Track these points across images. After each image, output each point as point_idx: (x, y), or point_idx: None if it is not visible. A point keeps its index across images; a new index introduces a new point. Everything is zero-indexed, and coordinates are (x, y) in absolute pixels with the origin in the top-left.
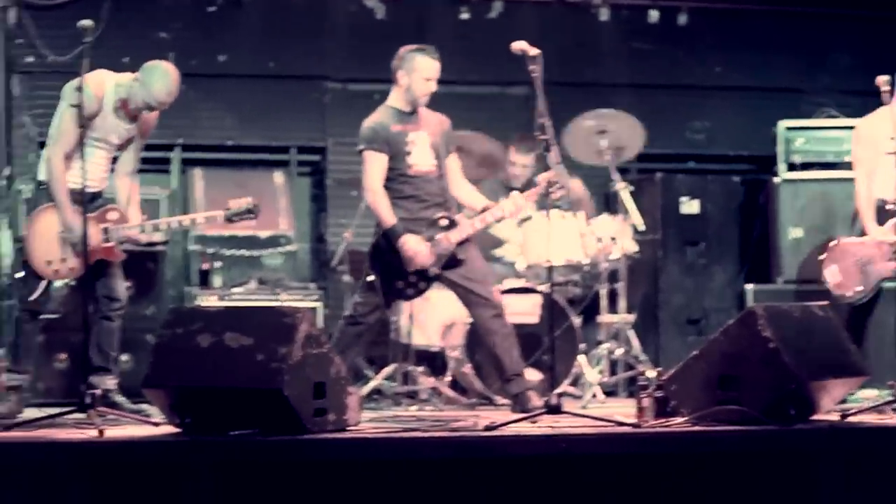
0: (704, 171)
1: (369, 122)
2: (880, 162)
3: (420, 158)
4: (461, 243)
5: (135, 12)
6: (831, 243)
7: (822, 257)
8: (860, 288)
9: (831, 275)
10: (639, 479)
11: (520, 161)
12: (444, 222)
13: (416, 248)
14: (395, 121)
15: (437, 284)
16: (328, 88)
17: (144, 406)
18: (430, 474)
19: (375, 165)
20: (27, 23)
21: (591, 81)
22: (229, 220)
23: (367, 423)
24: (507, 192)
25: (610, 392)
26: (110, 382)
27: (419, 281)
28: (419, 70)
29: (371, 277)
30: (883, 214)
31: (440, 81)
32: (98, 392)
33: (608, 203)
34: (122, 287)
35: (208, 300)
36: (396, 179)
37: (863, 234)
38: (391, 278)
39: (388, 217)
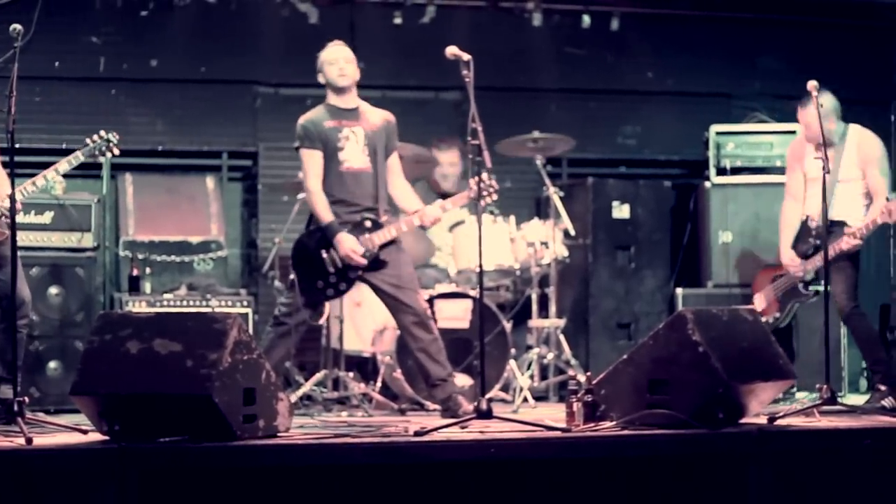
0: (635, 176)
1: (303, 119)
2: (809, 181)
3: (352, 155)
4: (385, 245)
5: (66, 16)
6: (761, 273)
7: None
8: (777, 314)
9: (758, 303)
10: (569, 483)
11: (445, 160)
12: (368, 224)
13: (352, 247)
14: (329, 116)
15: (369, 290)
16: (260, 93)
17: (41, 414)
18: (360, 480)
19: (312, 163)
20: None
21: (524, 86)
22: (91, 155)
23: (297, 429)
24: (437, 197)
25: (540, 397)
26: (10, 392)
27: (339, 282)
28: (324, 60)
29: (293, 276)
30: (808, 232)
31: (373, 86)
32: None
33: (539, 208)
34: (24, 290)
35: (138, 306)
36: (326, 179)
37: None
38: (312, 277)
39: (326, 215)
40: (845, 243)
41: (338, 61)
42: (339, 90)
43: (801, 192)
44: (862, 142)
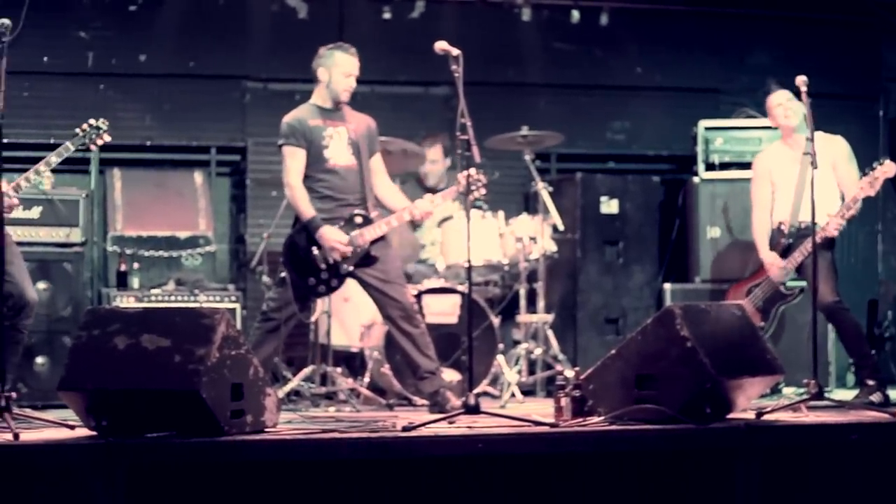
0: (624, 171)
1: (288, 117)
2: (778, 190)
3: (337, 153)
4: (375, 241)
5: (54, 11)
6: (730, 290)
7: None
8: (762, 324)
9: None
10: (557, 478)
11: (429, 156)
12: (359, 220)
13: (336, 239)
14: (314, 116)
15: (357, 286)
16: (248, 88)
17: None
18: (347, 475)
19: (294, 160)
20: None
21: (513, 81)
22: (82, 145)
23: (284, 424)
24: (424, 192)
25: (528, 392)
26: None
27: (331, 278)
28: (339, 66)
29: (284, 274)
30: (779, 237)
31: (362, 81)
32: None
33: (528, 203)
34: (31, 292)
35: (126, 301)
36: (313, 177)
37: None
38: (304, 275)
39: (307, 210)
40: (835, 223)
41: (353, 76)
42: (336, 98)
43: (769, 204)
44: (827, 143)
